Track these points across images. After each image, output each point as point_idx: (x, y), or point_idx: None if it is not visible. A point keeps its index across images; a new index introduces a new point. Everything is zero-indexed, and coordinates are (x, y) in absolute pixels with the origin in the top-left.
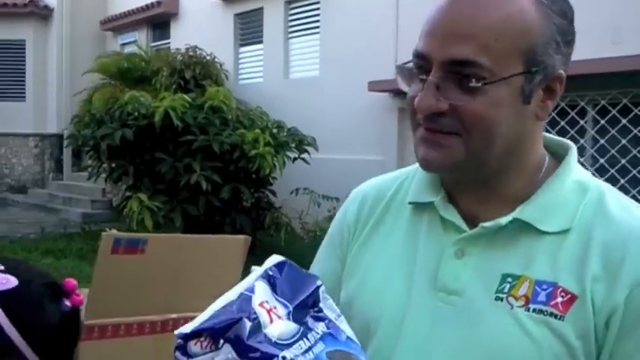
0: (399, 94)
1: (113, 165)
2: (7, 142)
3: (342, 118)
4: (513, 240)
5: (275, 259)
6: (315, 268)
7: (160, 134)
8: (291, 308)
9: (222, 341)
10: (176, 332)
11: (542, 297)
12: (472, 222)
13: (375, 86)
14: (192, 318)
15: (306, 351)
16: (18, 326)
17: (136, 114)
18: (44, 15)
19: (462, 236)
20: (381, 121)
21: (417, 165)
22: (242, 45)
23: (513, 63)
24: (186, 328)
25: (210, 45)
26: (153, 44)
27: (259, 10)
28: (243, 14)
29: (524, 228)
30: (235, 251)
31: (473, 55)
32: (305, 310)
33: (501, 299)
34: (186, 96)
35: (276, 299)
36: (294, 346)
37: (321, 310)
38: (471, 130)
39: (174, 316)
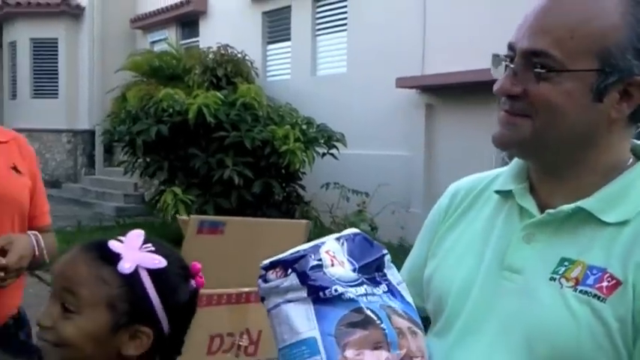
0: (426, 90)
1: (148, 160)
2: (41, 137)
3: (370, 114)
4: (577, 228)
5: (351, 230)
6: (410, 254)
7: (194, 130)
8: (356, 266)
9: (290, 270)
10: (260, 264)
11: (590, 280)
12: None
13: (402, 82)
14: (256, 293)
15: (361, 295)
16: (161, 300)
17: (171, 111)
18: (76, 14)
19: (530, 221)
20: (408, 117)
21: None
22: (270, 42)
23: (585, 60)
24: (267, 261)
25: (239, 42)
26: (182, 42)
27: (287, 8)
28: (271, 12)
29: (587, 217)
30: (298, 233)
31: (547, 47)
32: (370, 270)
33: (555, 279)
34: (218, 93)
35: (345, 256)
36: (351, 288)
37: (384, 275)
38: (539, 112)
39: (246, 289)
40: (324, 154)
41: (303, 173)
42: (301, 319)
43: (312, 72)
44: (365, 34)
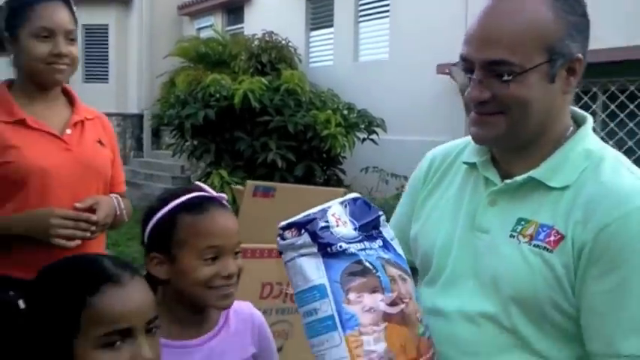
0: None
1: (196, 143)
2: None
3: (410, 100)
4: (530, 193)
5: (352, 194)
6: (396, 211)
7: (239, 115)
8: (357, 225)
9: (303, 230)
10: (280, 224)
11: (541, 236)
12: (509, 179)
13: (443, 68)
14: None
15: (361, 250)
16: None
17: (218, 95)
18: (125, 1)
19: (492, 189)
20: (449, 103)
21: None
22: (313, 29)
23: (537, 55)
24: (284, 222)
25: (282, 29)
26: (227, 28)
27: None
28: None
29: (537, 184)
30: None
31: (504, 56)
32: (368, 229)
33: (514, 236)
34: (263, 79)
35: (347, 217)
36: (352, 244)
37: (380, 232)
38: (511, 108)
39: None
40: (364, 139)
41: (344, 157)
42: (312, 269)
43: (354, 58)
44: (407, 20)
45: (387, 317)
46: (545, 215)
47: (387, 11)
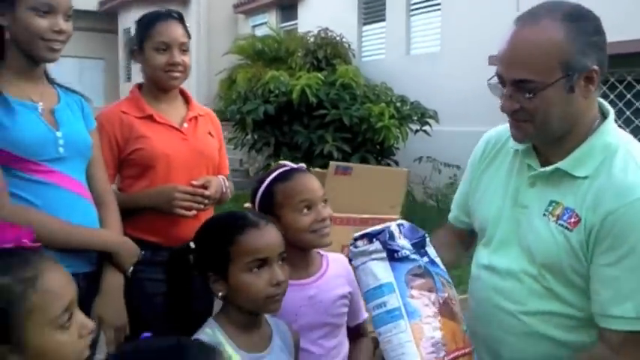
0: None
1: (256, 137)
2: None
3: (462, 91)
4: (559, 180)
5: (399, 220)
6: (459, 189)
7: (297, 109)
8: (410, 242)
9: (374, 239)
10: (353, 235)
11: (565, 217)
12: (547, 164)
13: (494, 60)
14: (372, 219)
15: (414, 260)
16: None
17: (277, 91)
18: (183, 1)
19: (532, 173)
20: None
21: None
22: (365, 23)
23: (554, 73)
24: (357, 234)
25: (335, 24)
26: (282, 25)
27: None
28: None
29: (564, 173)
30: (401, 177)
31: (527, 76)
32: (417, 247)
33: (545, 215)
34: (319, 74)
35: (402, 236)
36: (412, 254)
37: (426, 251)
38: (535, 117)
39: (365, 215)
40: (417, 131)
41: (397, 148)
42: (381, 271)
43: (407, 51)
44: (458, 13)
45: (441, 312)
46: (569, 199)
47: (439, 4)
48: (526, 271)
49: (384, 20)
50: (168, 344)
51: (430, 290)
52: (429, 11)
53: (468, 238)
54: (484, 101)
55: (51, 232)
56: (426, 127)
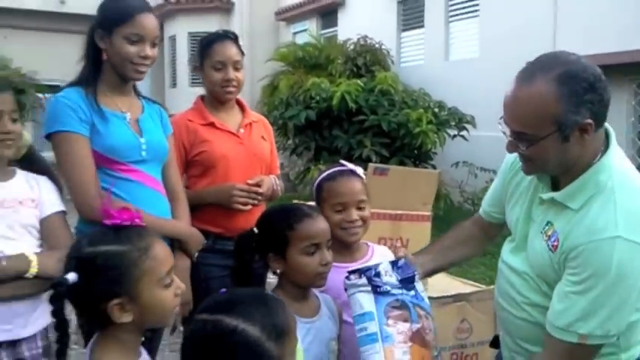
0: None
1: (297, 141)
2: None
3: (500, 96)
4: (556, 206)
5: (400, 259)
6: (493, 185)
7: (337, 114)
8: (399, 278)
9: (362, 275)
10: (346, 270)
11: (553, 239)
12: (556, 188)
13: None
14: (406, 215)
15: (399, 294)
16: None
17: (318, 98)
18: (227, 9)
19: (541, 195)
20: None
21: None
22: (404, 30)
23: (546, 128)
24: (350, 269)
25: (374, 31)
26: (322, 32)
27: None
28: (405, 1)
29: (558, 202)
30: (432, 179)
31: (522, 129)
32: (407, 282)
33: (542, 232)
34: (359, 81)
35: (394, 272)
36: (394, 289)
37: (414, 286)
38: (534, 160)
39: (399, 212)
40: (454, 136)
41: (435, 153)
42: (366, 301)
43: (445, 57)
44: (497, 19)
45: (412, 339)
46: (559, 224)
47: (477, 10)
48: (528, 273)
49: (422, 26)
50: (255, 292)
51: (405, 320)
52: (467, 17)
53: (494, 231)
54: None
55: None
56: (464, 132)
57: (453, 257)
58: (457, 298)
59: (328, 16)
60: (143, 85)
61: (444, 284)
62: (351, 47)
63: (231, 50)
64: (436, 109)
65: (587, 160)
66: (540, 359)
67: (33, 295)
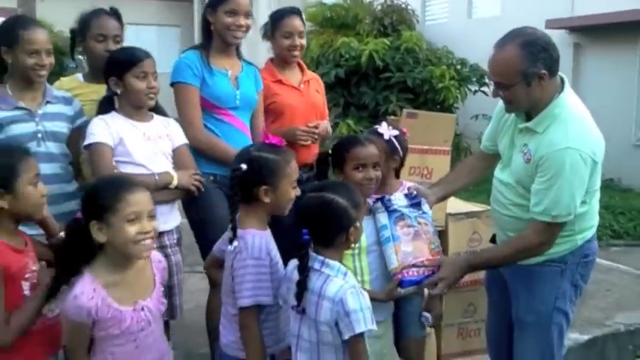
0: (574, 30)
1: (326, 97)
2: None
3: None
4: (530, 131)
5: (414, 186)
6: (489, 126)
7: (364, 72)
8: (409, 203)
9: (379, 201)
10: (371, 200)
11: (528, 155)
12: (529, 120)
13: (552, 24)
14: (430, 149)
15: (406, 212)
16: None
17: (347, 56)
18: None
19: (519, 125)
20: None
21: None
22: None
23: (514, 78)
24: (375, 197)
25: None
26: None
27: None
28: None
29: (530, 129)
30: (450, 121)
31: (498, 80)
32: (415, 205)
33: (520, 151)
34: (385, 40)
35: (405, 198)
36: (402, 208)
37: (421, 207)
38: (512, 101)
39: (425, 147)
40: (475, 91)
41: (457, 107)
42: (383, 218)
43: (468, 15)
44: None
45: (413, 238)
46: (531, 144)
47: None
48: (510, 183)
49: None
50: (340, 182)
51: (408, 226)
52: None
53: (491, 160)
54: None
55: (226, 152)
56: (485, 88)
57: (461, 184)
58: (469, 214)
59: None
60: (173, 46)
61: (459, 205)
62: (378, 7)
63: (297, 22)
64: (458, 66)
65: (547, 99)
66: (527, 233)
67: (172, 201)
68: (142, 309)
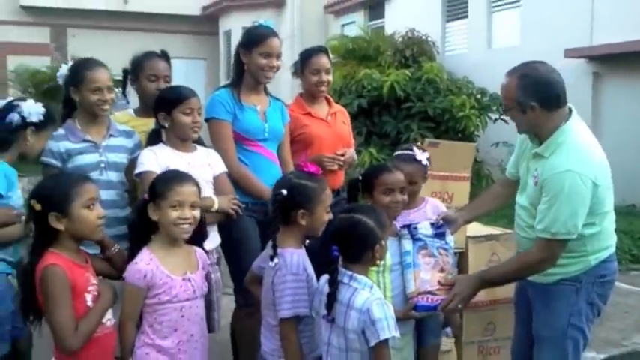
0: (593, 59)
1: None
2: None
3: None
4: (538, 157)
5: (441, 207)
6: (513, 154)
7: (386, 102)
8: (434, 232)
9: (406, 229)
10: (399, 226)
11: (537, 177)
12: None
13: (570, 53)
14: (451, 176)
15: (429, 241)
16: None
17: (369, 87)
18: (279, 3)
19: (532, 150)
20: (576, 85)
21: None
22: (449, 20)
23: (511, 103)
24: (401, 224)
25: (420, 21)
26: (370, 23)
27: None
28: None
29: (539, 154)
30: (470, 149)
31: (503, 101)
32: (439, 234)
33: (532, 175)
34: (406, 71)
35: (430, 228)
36: (426, 238)
37: (444, 237)
38: (515, 122)
39: (446, 173)
40: (495, 120)
41: (477, 135)
42: (407, 244)
43: (488, 46)
44: (537, 9)
45: (433, 267)
46: (539, 168)
47: (519, 0)
48: (526, 206)
49: (466, 17)
50: (368, 205)
51: (430, 256)
52: (509, 7)
53: (515, 187)
54: None
55: (254, 185)
56: (504, 116)
57: (486, 210)
58: (489, 237)
59: (376, 8)
60: (199, 78)
61: (479, 228)
62: (399, 40)
63: (324, 60)
64: (479, 95)
65: (552, 127)
66: (530, 250)
67: (212, 224)
68: (190, 280)
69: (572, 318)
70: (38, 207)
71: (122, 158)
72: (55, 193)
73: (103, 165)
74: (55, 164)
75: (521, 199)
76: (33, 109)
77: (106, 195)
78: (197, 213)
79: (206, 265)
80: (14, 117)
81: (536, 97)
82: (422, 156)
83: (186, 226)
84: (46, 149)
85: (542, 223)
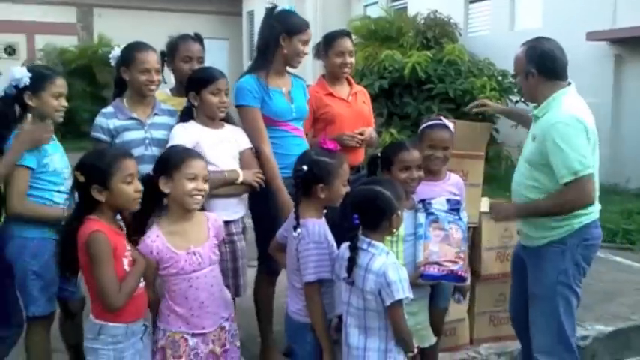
0: (615, 42)
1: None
2: None
3: None
4: (535, 117)
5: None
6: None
7: (408, 83)
8: (449, 207)
9: (421, 203)
10: (417, 201)
11: (534, 135)
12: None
13: (593, 36)
14: (467, 154)
15: (442, 216)
16: None
17: (391, 68)
18: None
19: (532, 113)
20: (598, 68)
21: None
22: (471, 2)
23: (522, 72)
24: (419, 200)
25: (443, 3)
26: (392, 4)
27: None
28: None
29: (535, 115)
30: (486, 129)
31: (514, 71)
32: (455, 210)
33: (531, 136)
34: (428, 53)
35: (446, 203)
36: (439, 212)
37: (459, 212)
38: (521, 88)
39: (462, 152)
40: (516, 102)
41: (497, 117)
42: (422, 217)
43: (510, 28)
44: None
45: (442, 240)
46: (536, 128)
47: None
48: (523, 164)
49: None
50: (385, 179)
51: (440, 229)
52: None
53: None
54: (582, 74)
55: (274, 167)
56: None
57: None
58: None
59: None
60: (222, 59)
61: None
62: (422, 21)
63: (348, 43)
64: (500, 77)
65: (547, 94)
66: (565, 192)
67: (238, 195)
68: (194, 254)
69: (560, 276)
70: (82, 178)
71: (165, 135)
72: (97, 167)
73: (147, 141)
74: (104, 139)
75: (520, 162)
76: (18, 74)
77: (150, 169)
78: (207, 186)
79: (220, 233)
80: (7, 88)
81: (537, 65)
82: (450, 124)
83: (199, 197)
84: (95, 125)
85: (560, 171)
